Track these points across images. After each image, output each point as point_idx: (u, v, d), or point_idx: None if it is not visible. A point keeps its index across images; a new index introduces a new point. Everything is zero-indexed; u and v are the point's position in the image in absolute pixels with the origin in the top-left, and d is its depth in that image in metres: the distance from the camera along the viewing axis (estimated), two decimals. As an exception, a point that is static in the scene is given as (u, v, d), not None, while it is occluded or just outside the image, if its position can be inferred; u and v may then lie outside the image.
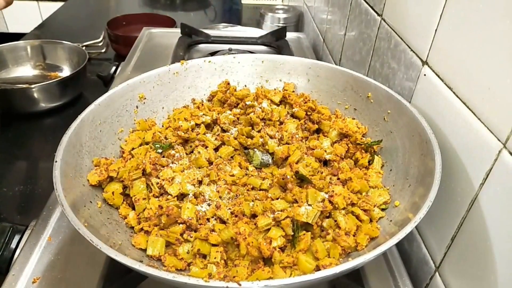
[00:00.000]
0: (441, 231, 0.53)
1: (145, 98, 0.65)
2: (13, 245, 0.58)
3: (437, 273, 0.54)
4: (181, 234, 0.47)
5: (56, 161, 0.47)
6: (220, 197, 0.53)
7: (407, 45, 0.62)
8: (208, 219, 0.49)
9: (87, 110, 0.56)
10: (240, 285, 0.35)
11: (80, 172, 0.51)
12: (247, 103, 0.64)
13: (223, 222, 0.49)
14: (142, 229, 0.49)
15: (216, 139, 0.62)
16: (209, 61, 0.71)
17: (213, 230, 0.47)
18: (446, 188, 0.50)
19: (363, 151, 0.59)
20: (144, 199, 0.51)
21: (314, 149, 0.59)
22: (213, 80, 0.71)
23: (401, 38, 0.65)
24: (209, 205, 0.51)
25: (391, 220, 0.48)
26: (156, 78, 0.66)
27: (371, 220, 0.49)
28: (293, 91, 0.70)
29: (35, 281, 0.52)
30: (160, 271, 0.37)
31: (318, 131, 0.65)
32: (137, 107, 0.64)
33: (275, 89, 0.71)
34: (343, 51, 0.98)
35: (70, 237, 0.58)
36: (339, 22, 1.01)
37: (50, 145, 0.88)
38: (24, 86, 1.01)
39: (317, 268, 0.43)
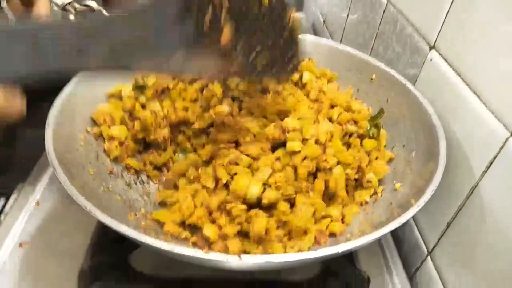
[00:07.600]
0: (436, 217, 0.53)
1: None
2: (-2, 209, 0.56)
3: (428, 258, 0.54)
4: None
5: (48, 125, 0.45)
6: None
7: (415, 29, 0.61)
8: None
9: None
10: (240, 258, 0.34)
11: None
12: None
13: None
14: None
15: None
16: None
17: None
18: (446, 175, 0.50)
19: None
20: None
21: None
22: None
23: (408, 22, 0.63)
24: None
25: (392, 203, 0.48)
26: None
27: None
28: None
29: (21, 245, 0.51)
30: (156, 240, 0.36)
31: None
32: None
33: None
34: (344, 34, 0.96)
35: (61, 202, 0.56)
36: (342, 4, 0.98)
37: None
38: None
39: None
